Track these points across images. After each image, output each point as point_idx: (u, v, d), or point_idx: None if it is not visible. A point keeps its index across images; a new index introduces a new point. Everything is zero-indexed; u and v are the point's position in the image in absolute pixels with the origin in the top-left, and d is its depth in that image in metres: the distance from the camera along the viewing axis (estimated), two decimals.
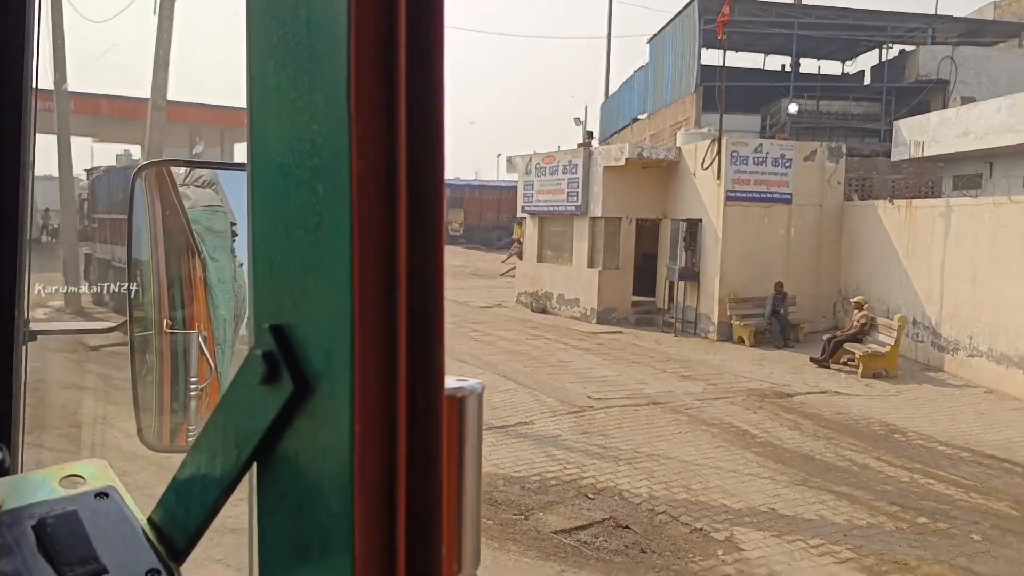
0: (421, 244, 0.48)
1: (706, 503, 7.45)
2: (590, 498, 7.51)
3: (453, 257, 39.89)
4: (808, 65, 35.89)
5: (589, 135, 29.38)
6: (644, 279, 20.50)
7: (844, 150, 18.73)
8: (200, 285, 1.32)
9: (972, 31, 31.59)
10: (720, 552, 6.38)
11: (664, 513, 7.18)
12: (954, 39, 30.56)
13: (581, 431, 9.85)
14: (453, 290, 27.10)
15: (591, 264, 20.26)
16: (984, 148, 21.44)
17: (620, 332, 18.40)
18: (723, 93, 18.34)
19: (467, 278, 32.41)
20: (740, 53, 35.54)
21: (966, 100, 25.36)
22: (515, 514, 7.08)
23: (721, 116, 17.99)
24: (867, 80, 34.76)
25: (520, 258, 24.50)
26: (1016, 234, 12.38)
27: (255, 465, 0.57)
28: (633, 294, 20.31)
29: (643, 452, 8.99)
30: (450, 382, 0.59)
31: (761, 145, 17.93)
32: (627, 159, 19.00)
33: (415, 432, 0.48)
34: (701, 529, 6.83)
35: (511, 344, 16.25)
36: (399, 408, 0.47)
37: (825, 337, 15.15)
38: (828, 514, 7.28)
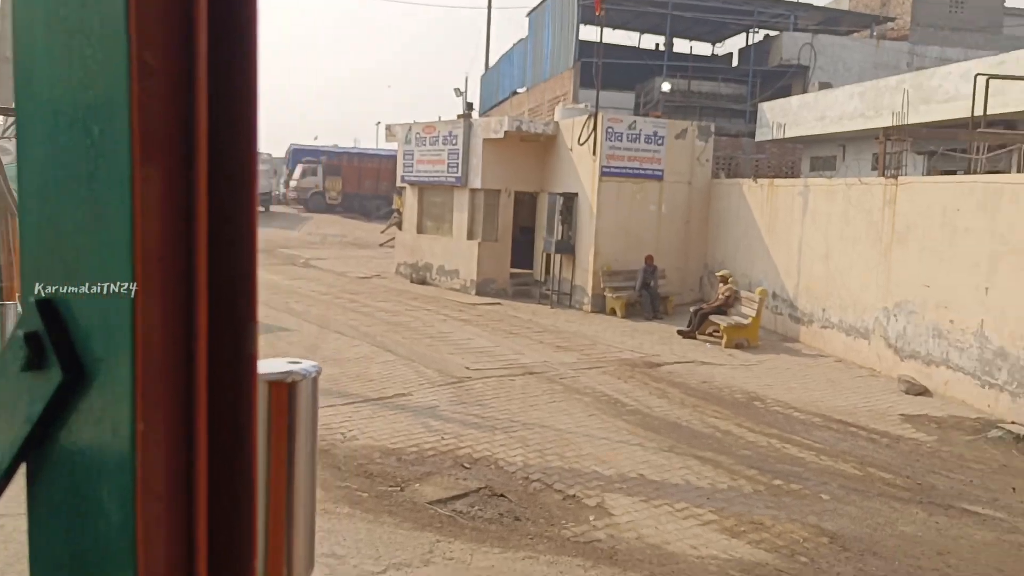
0: (228, 202, 0.40)
1: (579, 470, 7.67)
2: (466, 468, 7.59)
3: (330, 226, 39.04)
4: (681, 45, 37.01)
5: (469, 106, 29.22)
6: (522, 251, 20.73)
7: (713, 129, 19.44)
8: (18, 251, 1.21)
9: (830, 20, 33.35)
10: (592, 518, 6.59)
11: (538, 481, 7.34)
12: (814, 27, 32.18)
13: (459, 402, 9.92)
14: (330, 260, 26.58)
15: (471, 236, 20.30)
16: (839, 132, 22.80)
17: (499, 304, 18.56)
18: (599, 69, 18.64)
19: (345, 248, 31.83)
20: (617, 31, 36.23)
21: (823, 86, 26.84)
22: (391, 486, 7.07)
23: (597, 92, 18.31)
24: (735, 62, 36.16)
25: (400, 228, 24.24)
26: (864, 213, 13.25)
27: (24, 468, 0.48)
28: (511, 266, 20.51)
29: (519, 421, 9.15)
30: (278, 365, 0.54)
31: (635, 122, 18.38)
32: (506, 132, 19.07)
33: (220, 426, 0.41)
34: (574, 496, 7.03)
35: (390, 315, 16.12)
36: (197, 399, 0.40)
37: (692, 309, 15.80)
38: (693, 479, 7.64)
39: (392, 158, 27.09)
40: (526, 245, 20.76)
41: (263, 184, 43.96)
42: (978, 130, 13.25)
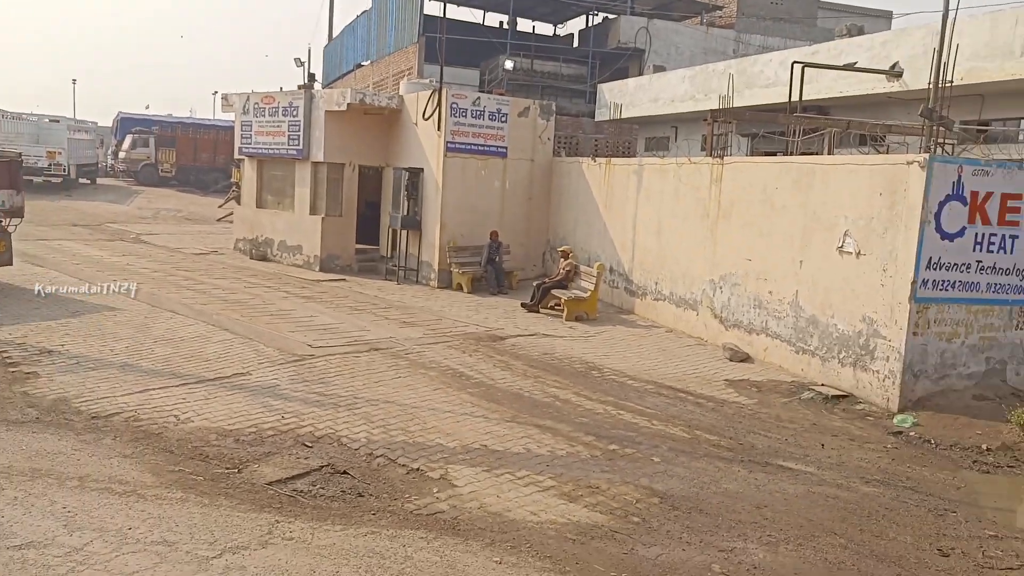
0: None
1: (423, 444, 7.72)
2: (308, 446, 7.47)
3: (164, 200, 36.94)
4: (524, 25, 37.43)
5: (311, 78, 28.33)
6: (368, 227, 20.47)
7: (554, 108, 19.85)
8: None
9: (664, 5, 34.73)
10: (435, 490, 6.67)
11: (382, 456, 7.34)
12: (650, 11, 33.40)
13: (301, 380, 9.72)
14: (163, 235, 25.19)
15: (313, 211, 19.82)
16: (671, 113, 23.86)
17: (343, 280, 18.26)
18: (443, 45, 18.58)
19: (180, 223, 30.24)
20: (462, 7, 36.18)
21: (658, 69, 27.97)
22: (227, 468, 6.86)
23: (441, 68, 18.26)
24: (576, 43, 36.97)
25: (238, 203, 23.27)
26: (692, 190, 14.00)
27: None
28: (357, 242, 20.22)
29: (363, 398, 9.09)
30: None
31: (479, 99, 18.48)
32: (349, 104, 18.68)
33: None
34: (418, 469, 7.09)
35: (227, 293, 15.50)
36: None
37: (535, 284, 16.19)
38: (534, 447, 7.87)
39: (231, 129, 25.85)
40: (372, 220, 20.50)
41: (86, 155, 40.95)
42: (795, 114, 14.24)
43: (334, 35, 48.32)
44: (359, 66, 40.48)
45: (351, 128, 19.45)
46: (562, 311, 15.11)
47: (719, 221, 13.27)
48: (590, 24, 34.75)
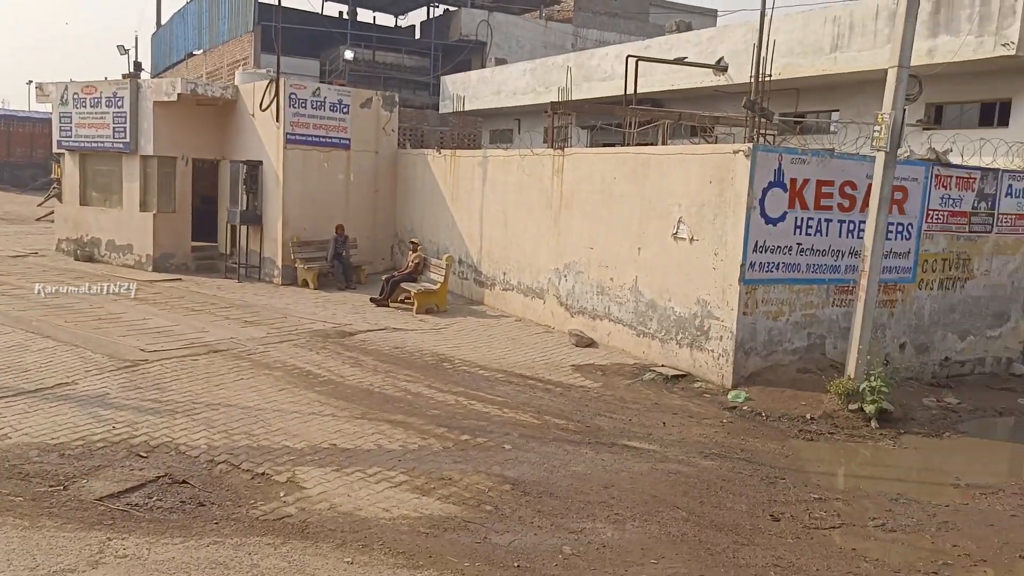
0: None
1: (268, 447, 7.45)
2: (143, 457, 7.04)
3: None
4: (365, 15, 36.82)
5: (137, 66, 26.70)
6: (205, 223, 19.52)
7: (397, 100, 19.64)
8: None
9: None
10: (282, 494, 6.45)
11: (225, 462, 7.02)
12: (490, 4, 33.68)
13: (133, 387, 9.14)
14: None
15: (144, 207, 18.68)
16: (514, 106, 24.23)
17: (179, 279, 17.33)
18: (279, 33, 17.95)
19: None
20: None
21: (500, 62, 28.33)
22: (52, 485, 6.35)
23: (279, 57, 17.65)
24: (418, 35, 36.76)
25: (60, 200, 21.56)
26: (535, 181, 14.25)
27: None
28: (193, 239, 19.23)
29: (202, 403, 8.66)
30: None
31: (319, 89, 18.01)
32: (180, 94, 17.72)
33: None
34: (263, 474, 6.83)
35: (50, 297, 14.33)
36: None
37: (384, 277, 15.99)
38: (385, 442, 7.77)
39: (50, 121, 23.97)
40: (209, 216, 19.57)
41: None
42: (630, 106, 14.79)
43: (162, 22, 45.70)
44: (191, 55, 38.50)
45: (183, 120, 18.46)
46: (412, 304, 15.00)
47: (562, 211, 13.57)
48: (431, 16, 34.67)
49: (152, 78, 29.58)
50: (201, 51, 36.89)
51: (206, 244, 19.54)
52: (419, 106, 28.31)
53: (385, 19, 38.47)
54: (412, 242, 16.52)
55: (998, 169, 11.90)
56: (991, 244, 11.91)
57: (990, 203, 11.74)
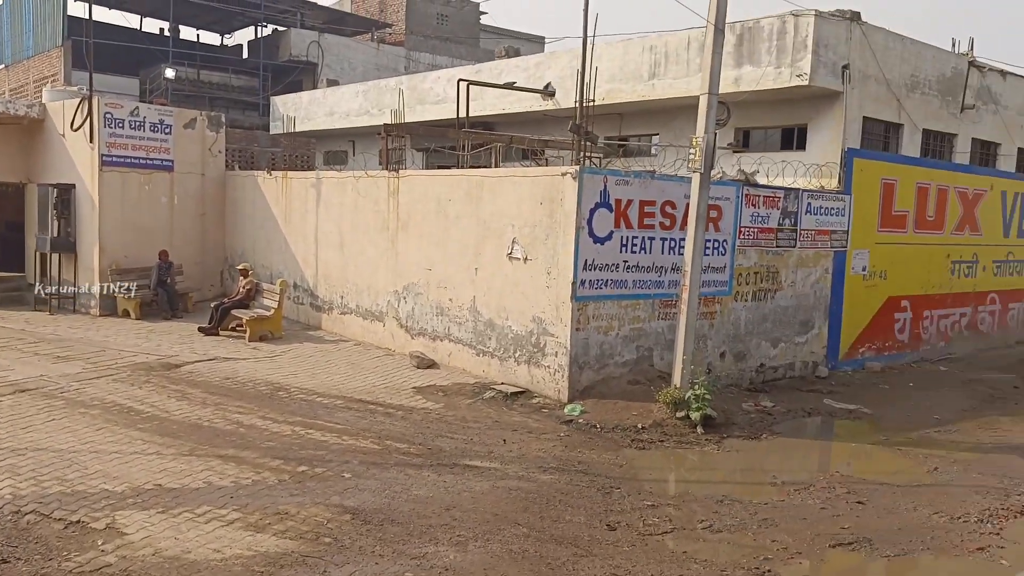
0: None
1: (84, 492, 6.92)
2: None
3: None
4: (187, 33, 35.34)
5: None
6: (9, 252, 18.00)
7: (224, 120, 18.92)
8: None
9: (335, 20, 34.80)
10: (100, 542, 6.01)
11: (33, 512, 6.46)
12: (321, 25, 33.26)
13: None
14: None
15: None
16: (347, 127, 23.97)
17: None
18: (91, 49, 16.90)
19: None
20: (114, 10, 33.24)
21: (332, 83, 27.96)
22: None
23: (91, 74, 16.61)
24: (245, 54, 35.68)
25: None
26: (371, 203, 14.14)
27: None
28: None
29: (6, 448, 7.93)
30: None
31: (138, 108, 17.06)
32: None
33: None
34: (78, 522, 6.33)
35: None
36: None
37: (213, 305, 15.29)
38: (216, 479, 7.41)
39: None
40: (14, 244, 18.04)
41: None
42: (463, 129, 14.97)
43: None
44: None
45: None
46: (245, 332, 14.43)
47: (399, 233, 13.53)
48: (260, 35, 33.72)
49: None
50: (2, 66, 34.06)
51: (12, 274, 18.00)
52: (248, 127, 27.40)
53: (210, 37, 37.07)
54: (243, 267, 15.92)
55: (799, 189, 12.99)
56: (795, 258, 12.95)
57: (793, 220, 12.78)
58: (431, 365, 12.60)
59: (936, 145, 16.33)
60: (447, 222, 12.53)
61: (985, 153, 17.59)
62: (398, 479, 7.70)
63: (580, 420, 10.02)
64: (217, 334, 14.65)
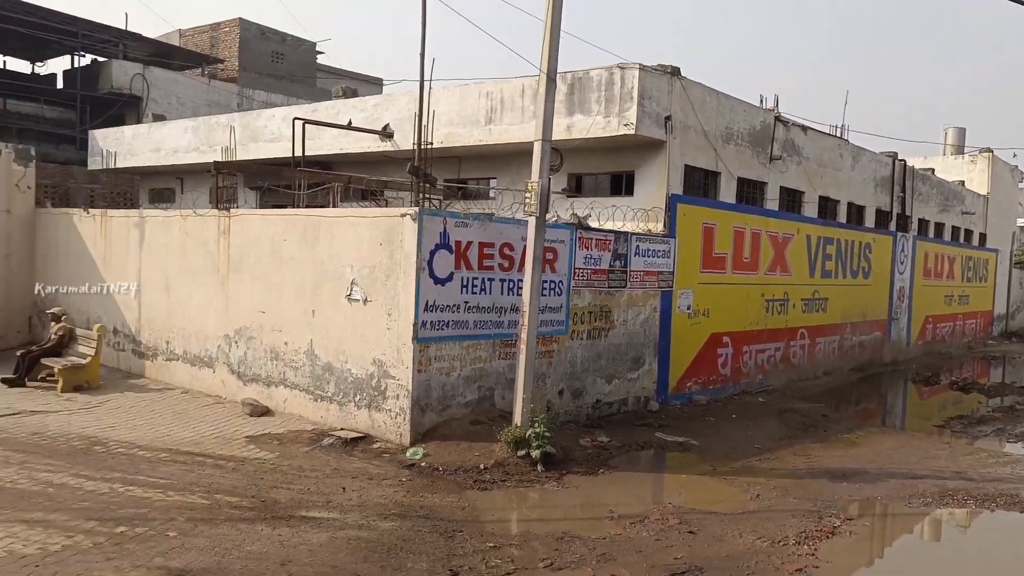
0: None
1: None
2: None
3: None
4: None
5: None
6: None
7: (35, 153, 17.58)
8: None
9: (162, 53, 33.33)
10: None
11: None
12: (146, 58, 31.77)
13: None
14: None
15: None
16: (175, 164, 22.89)
17: None
18: None
19: None
20: None
21: (158, 118, 26.69)
22: None
23: None
24: (60, 84, 33.46)
25: None
26: (200, 244, 13.53)
27: None
28: None
29: None
30: None
31: None
32: None
33: None
34: None
35: None
36: None
37: (19, 353, 14.02)
38: (19, 547, 6.72)
39: None
40: None
41: None
42: (299, 168, 14.67)
43: None
44: None
45: None
46: (57, 382, 13.31)
47: (230, 275, 12.99)
48: (77, 65, 31.72)
49: None
50: None
51: None
52: (63, 161, 25.62)
53: (20, 64, 34.49)
54: (53, 312, 14.72)
55: (628, 232, 13.62)
56: (626, 297, 13.53)
57: (623, 262, 13.36)
58: (265, 412, 12.09)
59: (749, 192, 17.63)
60: (282, 263, 12.17)
61: (791, 200, 19.17)
62: (229, 535, 7.28)
63: (422, 463, 9.90)
64: (24, 385, 13.44)
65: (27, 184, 17.12)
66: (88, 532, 7.14)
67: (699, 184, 16.10)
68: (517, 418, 10.49)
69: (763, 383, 17.06)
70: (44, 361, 13.74)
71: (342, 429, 11.09)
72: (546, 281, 11.61)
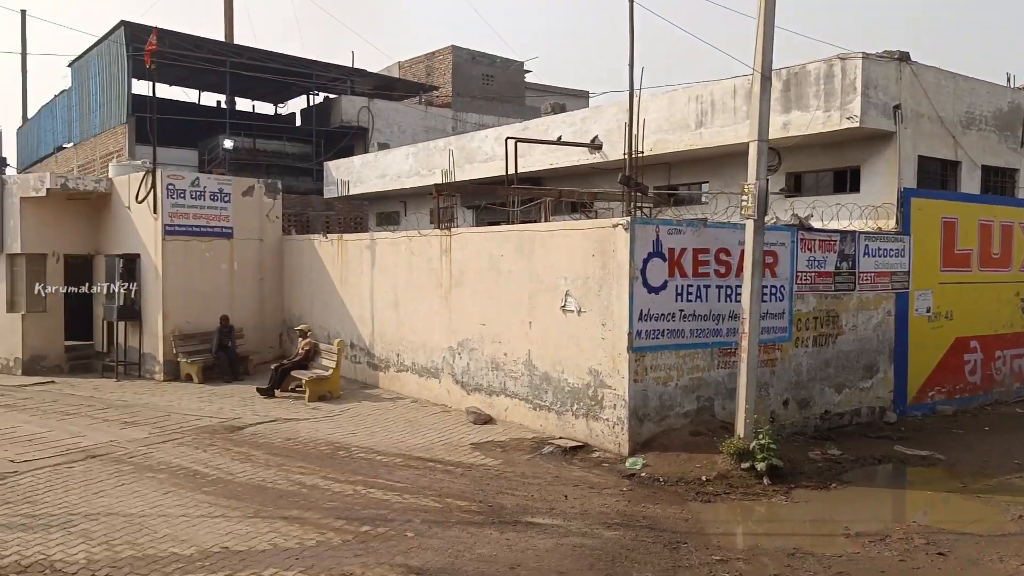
0: None
1: (155, 556, 7.02)
2: None
3: None
4: (243, 104, 36.72)
5: (2, 161, 25.57)
6: (79, 321, 18.61)
7: (280, 187, 19.50)
8: None
9: (384, 86, 35.81)
10: None
11: None
12: (370, 91, 34.25)
13: (2, 502, 8.47)
14: None
15: (12, 308, 17.71)
16: (399, 188, 24.46)
17: (52, 382, 16.37)
18: (155, 125, 17.63)
19: None
20: (175, 87, 34.75)
21: (382, 146, 28.68)
22: None
23: (154, 148, 17.29)
24: (298, 122, 36.83)
25: None
26: (424, 261, 14.34)
27: None
28: (67, 338, 18.28)
29: (80, 513, 8.10)
30: None
31: (199, 179, 17.70)
32: (49, 189, 17.07)
33: None
34: None
35: None
36: None
37: (273, 367, 15.55)
38: (281, 541, 7.45)
39: None
40: (84, 313, 18.66)
41: None
42: (512, 186, 15.18)
43: (29, 116, 44.09)
44: (60, 148, 37.18)
45: (53, 215, 17.74)
46: (304, 393, 14.63)
47: (452, 289, 13.66)
48: (312, 104, 34.84)
49: (19, 173, 28.36)
50: (72, 144, 35.71)
51: (81, 343, 18.58)
52: (303, 192, 28.17)
53: (265, 107, 38.42)
54: (301, 328, 16.21)
55: (855, 232, 12.80)
56: (855, 301, 12.69)
57: (851, 263, 12.56)
58: (488, 421, 12.57)
59: (997, 181, 15.98)
60: (499, 277, 12.62)
61: None
62: (461, 538, 7.64)
63: (642, 474, 9.85)
64: (276, 395, 14.87)
65: (275, 214, 19.02)
66: (337, 530, 7.78)
67: (935, 176, 14.83)
68: (740, 429, 10.15)
69: (1021, 392, 15.32)
70: (294, 373, 15.13)
71: (561, 438, 11.28)
72: (766, 286, 11.17)
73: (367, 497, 8.87)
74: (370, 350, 16.03)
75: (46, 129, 40.15)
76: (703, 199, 16.83)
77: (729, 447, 9.91)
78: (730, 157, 15.25)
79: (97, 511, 8.21)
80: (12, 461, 10.10)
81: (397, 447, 11.18)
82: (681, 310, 10.77)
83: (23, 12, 43.36)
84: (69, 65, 35.03)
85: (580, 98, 39.95)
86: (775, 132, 12.43)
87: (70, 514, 8.10)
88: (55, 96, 38.38)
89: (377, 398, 14.82)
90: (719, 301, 11.07)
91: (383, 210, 26.99)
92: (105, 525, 7.78)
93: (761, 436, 9.85)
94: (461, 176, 20.79)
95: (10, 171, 23.54)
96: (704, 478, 9.63)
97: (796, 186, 15.61)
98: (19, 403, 14.14)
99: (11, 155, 43.88)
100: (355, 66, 34.80)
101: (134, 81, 29.07)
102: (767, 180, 10.32)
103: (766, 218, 10.52)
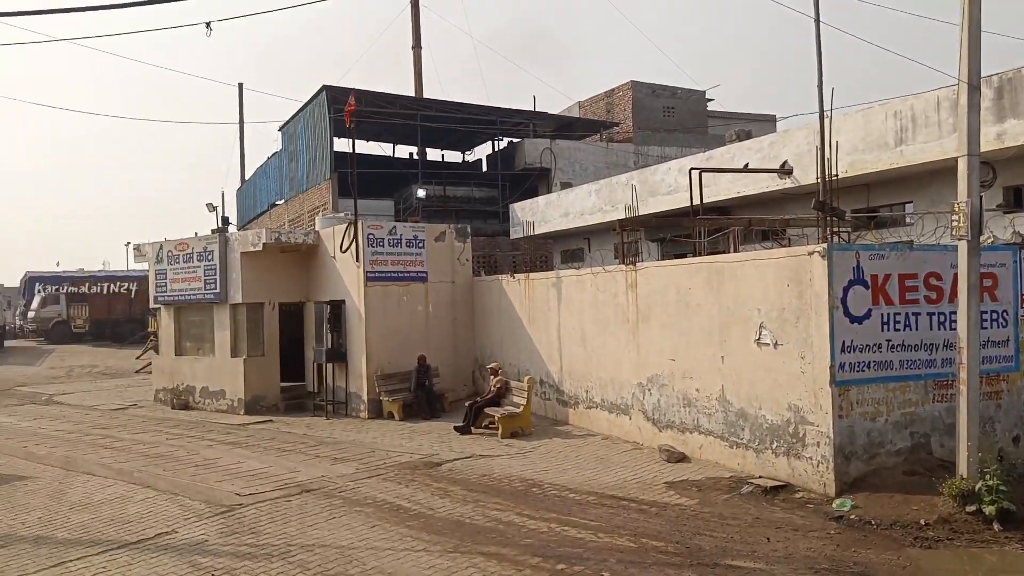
0: None
1: None
2: None
3: (78, 357, 35.69)
4: (433, 154, 38.66)
5: (225, 221, 28.35)
6: (293, 363, 20.12)
7: (469, 230, 20.27)
8: None
9: (565, 126, 36.45)
10: None
11: None
12: (551, 132, 34.99)
13: (230, 532, 9.26)
14: (78, 394, 24.17)
15: (235, 353, 19.42)
16: (582, 226, 24.68)
17: (270, 421, 17.76)
18: (355, 179, 18.93)
19: (95, 379, 29.11)
20: (371, 142, 37.20)
21: (565, 185, 29.13)
22: None
23: (355, 201, 18.53)
24: (484, 168, 38.24)
25: (157, 352, 22.65)
26: (610, 297, 14.32)
27: None
28: (282, 380, 19.80)
29: (297, 544, 8.69)
30: None
31: (395, 227, 18.75)
32: (265, 243, 18.70)
33: None
34: None
35: (148, 447, 14.85)
36: None
37: (467, 404, 16.04)
38: None
39: (146, 279, 25.48)
40: (296, 356, 20.18)
41: None
42: (698, 216, 14.90)
43: (246, 178, 48.75)
44: (273, 205, 40.75)
45: (268, 267, 19.40)
46: (497, 429, 14.96)
47: (639, 324, 13.54)
48: (496, 149, 36.09)
49: (239, 230, 31.32)
50: (283, 201, 39.04)
51: (294, 384, 20.06)
52: (490, 234, 29.13)
53: (453, 155, 40.23)
54: (492, 366, 16.63)
55: None
56: None
57: None
58: (681, 459, 12.26)
59: None
60: (688, 310, 12.37)
61: None
62: None
63: (851, 516, 9.20)
64: (471, 432, 15.30)
65: (465, 257, 19.78)
66: (534, 567, 7.84)
67: None
68: (962, 468, 9.27)
69: None
70: (487, 410, 15.52)
71: (760, 477, 10.79)
72: (985, 312, 10.21)
73: (561, 535, 8.89)
74: (559, 386, 16.17)
75: (261, 188, 44.15)
76: (907, 220, 15.71)
77: (951, 488, 9.07)
78: (936, 174, 14.17)
79: (312, 543, 8.77)
80: (238, 494, 11.02)
81: (589, 485, 11.15)
82: (888, 340, 10.06)
83: (240, 85, 48.21)
84: (280, 129, 38.48)
85: (767, 123, 38.72)
86: (988, 144, 11.43)
87: (288, 544, 8.71)
88: (268, 158, 42.20)
89: (567, 435, 14.88)
90: (931, 329, 10.24)
91: (567, 248, 27.33)
92: (320, 556, 8.30)
93: (988, 476, 8.93)
94: (644, 210, 20.68)
95: (232, 229, 26.09)
96: (923, 521, 8.86)
97: (1016, 201, 14.22)
98: (242, 440, 15.45)
99: (232, 214, 48.52)
100: (536, 109, 35.74)
101: (335, 139, 31.44)
102: (981, 197, 9.49)
103: (982, 237, 9.65)
